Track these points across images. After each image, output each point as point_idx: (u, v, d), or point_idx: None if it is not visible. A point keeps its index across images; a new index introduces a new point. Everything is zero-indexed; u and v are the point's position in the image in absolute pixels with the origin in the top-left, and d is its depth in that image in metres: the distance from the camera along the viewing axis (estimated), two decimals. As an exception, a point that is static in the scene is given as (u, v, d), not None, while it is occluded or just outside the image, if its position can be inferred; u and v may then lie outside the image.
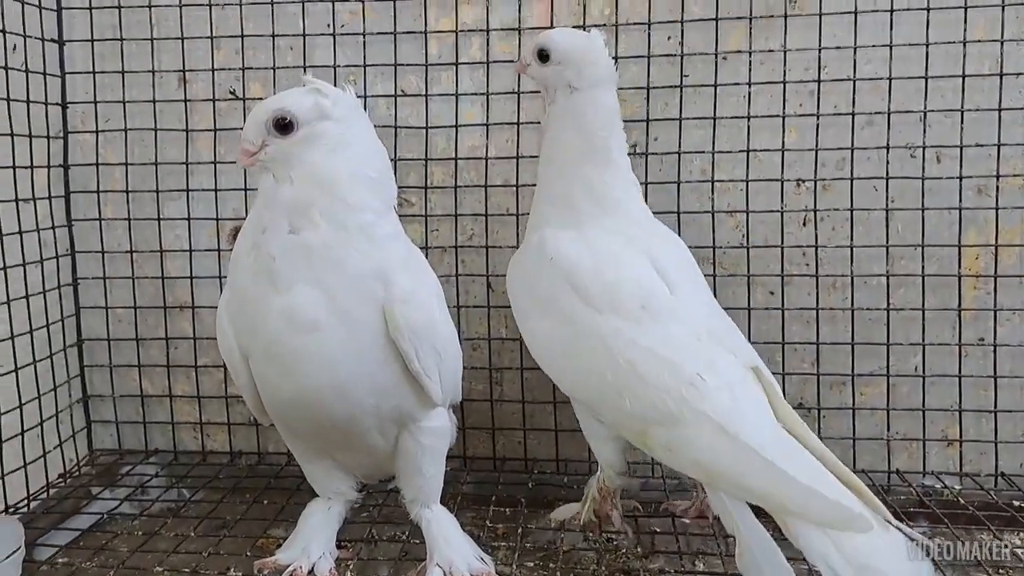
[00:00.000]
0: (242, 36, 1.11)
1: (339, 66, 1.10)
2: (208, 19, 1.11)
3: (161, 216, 1.14)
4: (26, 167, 1.07)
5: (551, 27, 1.06)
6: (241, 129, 0.80)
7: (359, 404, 0.79)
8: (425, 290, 0.81)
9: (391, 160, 1.06)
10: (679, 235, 1.03)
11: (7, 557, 0.84)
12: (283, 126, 0.77)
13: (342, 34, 1.10)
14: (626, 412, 0.78)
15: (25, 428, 1.04)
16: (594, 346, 0.80)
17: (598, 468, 0.89)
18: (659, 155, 1.06)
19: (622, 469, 0.88)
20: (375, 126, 1.06)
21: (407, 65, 1.09)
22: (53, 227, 1.12)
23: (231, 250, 1.11)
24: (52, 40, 1.12)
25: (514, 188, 1.08)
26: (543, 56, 0.86)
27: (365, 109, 0.91)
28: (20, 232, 1.05)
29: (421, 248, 1.09)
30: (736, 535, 0.73)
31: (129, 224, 1.15)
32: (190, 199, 1.14)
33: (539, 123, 1.05)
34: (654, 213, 1.04)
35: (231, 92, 1.12)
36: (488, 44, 1.08)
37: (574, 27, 1.02)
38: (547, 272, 0.84)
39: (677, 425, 0.76)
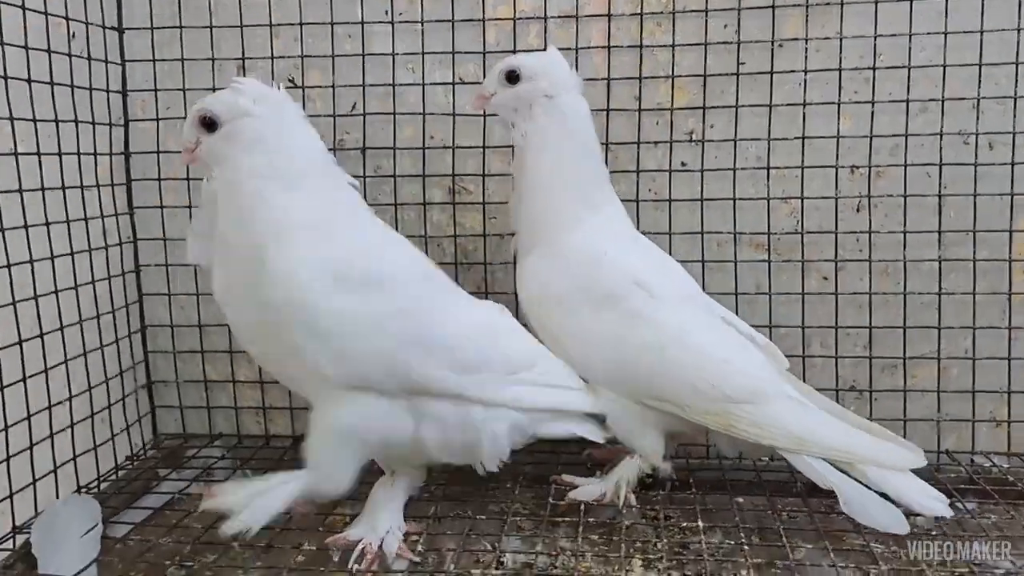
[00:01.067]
0: (301, 24, 1.12)
1: (397, 54, 1.11)
2: (267, 6, 1.12)
3: (222, 203, 1.16)
4: (89, 154, 1.09)
5: (608, 15, 1.07)
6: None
7: (285, 373, 0.88)
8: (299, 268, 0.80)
9: (449, 147, 1.10)
10: (735, 221, 1.07)
11: (87, 532, 0.88)
12: (207, 124, 0.83)
13: (400, 22, 1.11)
14: (709, 397, 0.86)
15: (94, 411, 1.07)
16: (670, 337, 0.87)
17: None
18: (715, 142, 1.08)
19: (663, 454, 0.93)
20: (432, 114, 1.10)
21: (465, 53, 1.10)
22: (116, 214, 1.14)
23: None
24: (112, 28, 1.13)
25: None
26: (512, 78, 0.93)
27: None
28: (85, 219, 1.07)
29: (478, 235, 1.12)
30: (835, 488, 0.85)
31: (190, 211, 1.16)
32: (250, 186, 1.15)
33: (596, 110, 1.08)
34: (710, 200, 1.08)
35: (290, 80, 1.14)
36: (546, 32, 1.09)
37: (631, 15, 1.06)
38: (604, 271, 0.89)
39: (763, 401, 0.87)
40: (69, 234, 1.04)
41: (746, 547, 0.85)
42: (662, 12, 1.07)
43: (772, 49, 1.05)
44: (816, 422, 0.87)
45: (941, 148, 1.04)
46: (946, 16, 1.02)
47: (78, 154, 1.06)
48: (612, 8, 1.08)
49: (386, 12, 1.11)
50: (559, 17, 1.09)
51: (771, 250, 1.08)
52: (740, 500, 0.99)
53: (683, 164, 1.08)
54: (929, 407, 1.08)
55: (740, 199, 1.07)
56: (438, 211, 1.13)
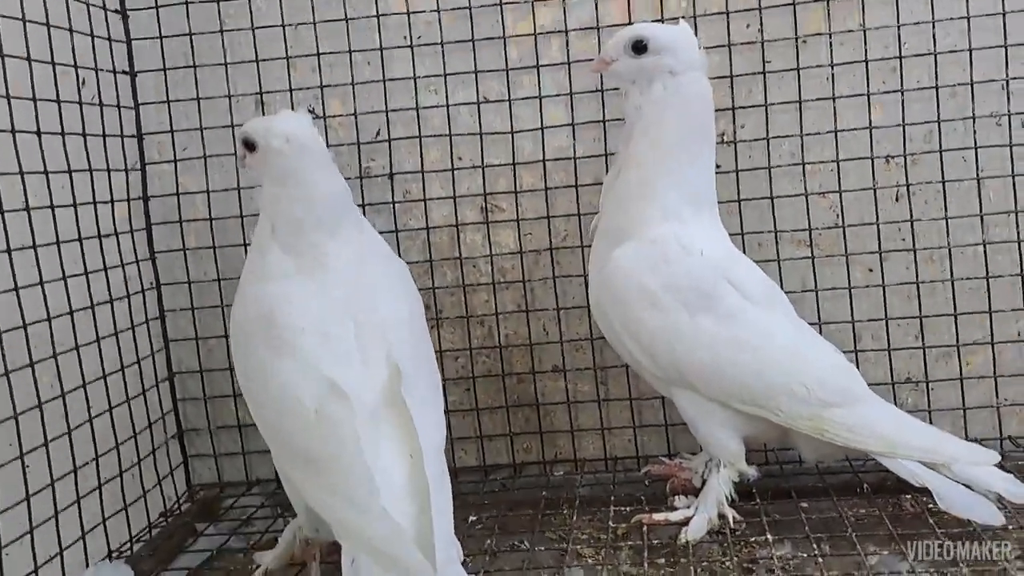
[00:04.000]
0: (318, 54, 1.11)
1: (419, 77, 1.10)
2: (283, 39, 1.11)
3: (247, 242, 1.13)
4: (106, 202, 1.05)
5: (629, 23, 1.06)
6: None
7: None
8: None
9: (479, 167, 1.08)
10: (774, 220, 1.05)
11: (121, 601, 0.83)
12: (248, 145, 0.84)
13: (420, 45, 1.10)
14: (804, 400, 0.85)
15: (123, 469, 1.02)
16: (765, 339, 0.86)
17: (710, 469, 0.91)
18: (747, 142, 1.07)
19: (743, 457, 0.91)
20: (459, 134, 1.09)
21: (488, 71, 1.09)
22: (137, 261, 1.11)
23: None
24: (124, 72, 1.11)
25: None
26: (639, 48, 0.88)
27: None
28: (105, 268, 1.03)
29: (514, 253, 1.10)
30: (929, 486, 0.85)
31: (214, 252, 1.14)
32: (274, 221, 1.13)
33: (623, 120, 1.07)
34: (747, 200, 1.06)
35: (310, 110, 1.12)
36: (568, 45, 1.08)
37: (659, 21, 1.05)
38: (701, 270, 0.86)
39: (856, 404, 0.87)
40: (88, 286, 0.99)
41: (819, 558, 0.82)
42: (684, 16, 1.06)
43: (797, 46, 1.05)
44: (903, 422, 0.88)
45: (975, 131, 1.04)
46: (967, 1, 1.02)
47: (94, 203, 1.02)
48: (632, 16, 1.07)
49: (404, 37, 1.10)
50: (579, 29, 1.08)
51: (813, 246, 1.07)
52: (805, 505, 0.95)
53: (717, 166, 1.07)
54: (987, 393, 1.06)
55: (777, 197, 1.06)
56: (471, 231, 1.11)
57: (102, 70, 1.06)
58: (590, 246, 1.07)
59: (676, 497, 0.96)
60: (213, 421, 1.15)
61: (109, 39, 1.08)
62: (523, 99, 1.09)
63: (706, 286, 0.86)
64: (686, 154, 0.88)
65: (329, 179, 0.84)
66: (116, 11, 1.10)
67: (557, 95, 1.09)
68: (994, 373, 1.05)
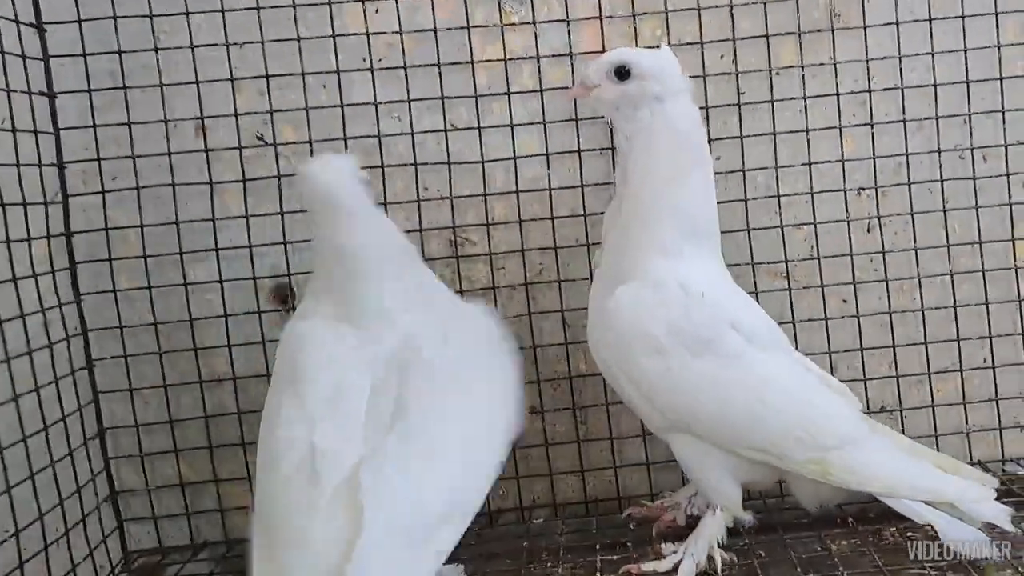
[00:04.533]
0: (267, 76, 1.01)
1: (380, 103, 1.03)
2: (226, 59, 1.01)
3: (188, 281, 1.03)
4: (23, 240, 0.92)
5: (602, 51, 1.03)
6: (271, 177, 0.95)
7: None
8: None
9: (447, 198, 1.02)
10: (751, 251, 1.04)
11: None
12: None
13: (381, 68, 1.02)
14: (802, 443, 0.83)
15: (48, 542, 0.90)
16: (768, 384, 0.83)
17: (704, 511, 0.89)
18: (723, 174, 1.05)
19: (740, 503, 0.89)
20: (425, 164, 1.03)
21: (455, 97, 1.03)
22: (59, 304, 0.98)
23: (277, 311, 1.03)
24: (41, 93, 0.98)
25: (582, 218, 1.04)
26: (622, 73, 0.85)
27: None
28: (22, 314, 0.90)
29: (487, 288, 1.04)
30: (931, 523, 0.84)
31: (150, 292, 1.02)
32: (220, 259, 1.03)
33: (599, 149, 1.04)
34: (724, 232, 1.04)
35: (259, 137, 1.03)
36: (540, 71, 1.04)
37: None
38: (703, 312, 0.83)
39: (856, 446, 0.84)
40: (2, 334, 0.87)
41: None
42: (658, 46, 1.03)
43: (771, 77, 1.04)
44: (904, 464, 0.86)
45: (940, 164, 1.06)
46: (931, 37, 1.04)
47: (7, 241, 0.89)
48: (606, 44, 1.03)
49: (364, 59, 1.02)
50: (552, 56, 1.04)
51: (790, 277, 1.06)
52: (788, 539, 0.94)
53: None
54: (957, 419, 1.08)
55: (754, 229, 1.05)
56: (440, 266, 1.04)
57: (15, 91, 0.93)
58: (568, 280, 1.05)
59: (663, 544, 0.93)
60: (151, 480, 1.04)
61: (23, 56, 0.95)
62: (493, 127, 1.04)
63: (707, 331, 0.83)
64: (680, 181, 0.85)
65: (361, 230, 0.79)
66: (31, 25, 0.98)
67: (530, 123, 1.04)
68: (963, 399, 1.07)
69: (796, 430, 0.83)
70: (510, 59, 1.03)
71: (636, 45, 1.03)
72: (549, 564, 0.94)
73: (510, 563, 0.95)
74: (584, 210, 1.04)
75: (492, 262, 1.04)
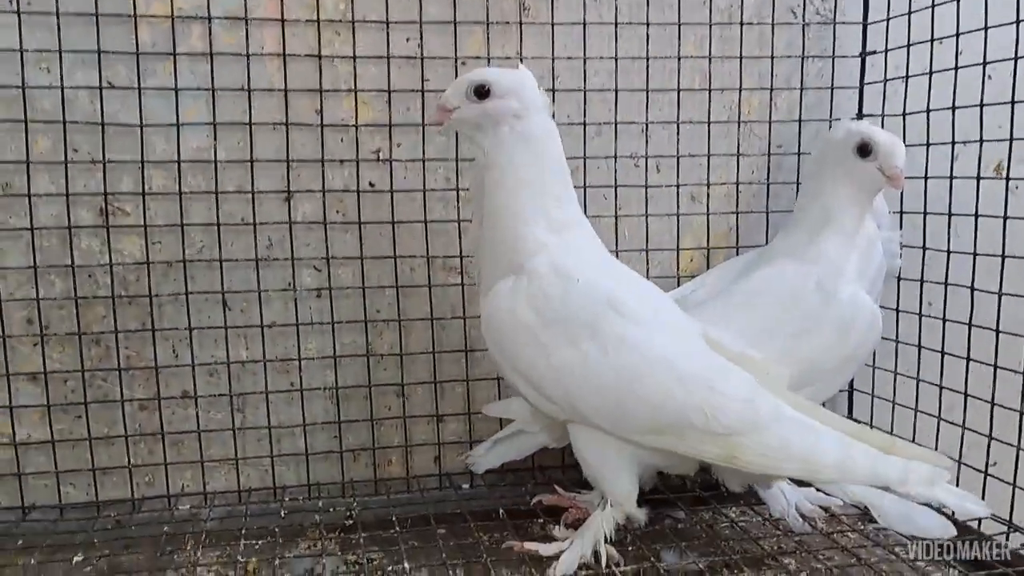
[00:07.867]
0: None
1: (26, 50, 0.93)
2: None
3: None
4: None
5: (281, 19, 0.99)
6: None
7: None
8: None
9: (99, 162, 0.95)
10: (427, 245, 1.04)
11: None
12: None
13: (29, 12, 0.93)
14: (706, 429, 0.80)
15: None
16: (660, 366, 0.81)
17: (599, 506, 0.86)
18: (403, 162, 1.04)
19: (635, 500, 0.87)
20: (75, 122, 0.95)
21: (114, 53, 0.95)
22: None
23: None
24: None
25: (249, 195, 1.00)
26: (481, 92, 0.85)
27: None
28: None
29: (140, 264, 0.98)
30: (867, 504, 0.84)
31: None
32: None
33: (272, 124, 1.00)
34: (400, 222, 1.04)
35: None
36: (211, 34, 0.97)
37: (306, 21, 0.99)
38: (580, 297, 0.81)
39: (766, 429, 0.81)
40: None
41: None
42: (340, 20, 1.00)
43: (456, 66, 1.03)
44: (828, 445, 0.81)
45: (616, 170, 1.08)
46: (616, 42, 1.06)
47: None
48: (285, 12, 0.99)
49: (11, 1, 0.93)
50: (225, 18, 0.98)
51: (463, 273, 1.06)
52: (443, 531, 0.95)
53: (371, 184, 1.03)
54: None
55: (431, 221, 1.04)
56: (87, 236, 0.97)
57: None
58: (230, 260, 1.00)
59: (556, 528, 0.92)
60: None
61: None
62: (155, 89, 0.97)
63: (587, 315, 0.81)
64: (541, 189, 0.85)
65: None
66: None
67: (198, 89, 0.98)
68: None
69: (690, 413, 0.80)
70: (178, 17, 0.96)
71: (318, 16, 0.99)
72: (192, 550, 0.91)
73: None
74: (252, 187, 1.00)
75: (147, 235, 0.98)
